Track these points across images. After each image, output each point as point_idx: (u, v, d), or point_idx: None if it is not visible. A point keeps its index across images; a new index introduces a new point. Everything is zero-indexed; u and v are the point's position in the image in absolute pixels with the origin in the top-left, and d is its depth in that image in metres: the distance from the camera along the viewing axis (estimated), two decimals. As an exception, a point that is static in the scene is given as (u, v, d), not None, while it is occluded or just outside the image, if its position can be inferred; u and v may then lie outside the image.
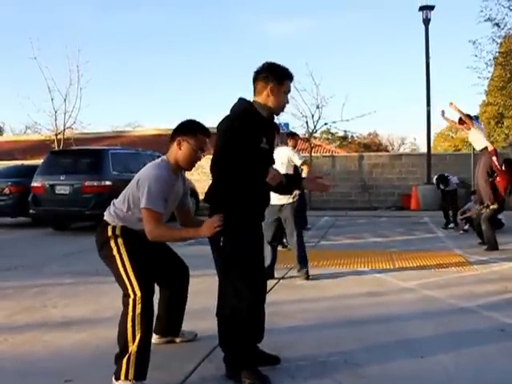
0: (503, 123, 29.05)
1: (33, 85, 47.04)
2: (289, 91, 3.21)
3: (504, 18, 18.61)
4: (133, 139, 27.51)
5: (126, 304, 3.08)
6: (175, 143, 3.25)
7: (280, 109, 3.23)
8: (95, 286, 5.84)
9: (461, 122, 8.78)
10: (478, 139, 8.55)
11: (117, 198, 3.37)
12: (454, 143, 42.26)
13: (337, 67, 71.64)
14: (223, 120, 3.14)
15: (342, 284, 5.87)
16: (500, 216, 10.55)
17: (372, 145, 47.20)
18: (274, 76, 3.11)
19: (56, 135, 18.98)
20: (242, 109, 3.12)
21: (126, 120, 59.57)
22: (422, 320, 4.40)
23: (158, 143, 23.09)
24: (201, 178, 17.52)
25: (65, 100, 18.92)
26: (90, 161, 11.49)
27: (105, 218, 3.31)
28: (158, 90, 79.67)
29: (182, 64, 77.21)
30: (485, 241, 8.52)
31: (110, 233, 3.22)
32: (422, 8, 16.75)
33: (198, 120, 3.33)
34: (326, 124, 19.58)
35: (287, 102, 3.24)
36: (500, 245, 8.33)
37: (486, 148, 8.44)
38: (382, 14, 72.18)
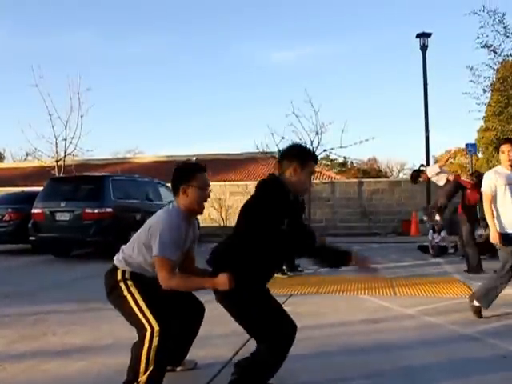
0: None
1: (34, 111, 47.38)
2: (312, 173, 3.30)
3: (500, 45, 18.80)
4: (133, 166, 27.66)
5: (142, 336, 3.07)
6: (180, 193, 3.27)
7: (302, 188, 3.26)
8: (95, 313, 5.82)
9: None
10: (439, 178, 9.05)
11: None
12: (453, 169, 42.40)
13: (336, 93, 72.21)
14: (253, 197, 3.15)
15: (342, 311, 5.86)
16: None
17: (371, 171, 47.37)
18: (299, 157, 3.19)
19: (57, 162, 19.04)
20: (272, 188, 3.10)
21: (127, 146, 59.88)
22: (422, 347, 4.38)
23: (157, 170, 23.22)
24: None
25: (65, 127, 19.03)
26: (91, 187, 11.54)
27: (114, 263, 3.34)
28: (159, 117, 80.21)
29: (183, 91, 77.79)
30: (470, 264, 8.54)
31: (119, 276, 3.25)
32: (419, 35, 16.97)
33: (185, 161, 3.42)
34: (325, 150, 19.66)
35: (310, 184, 3.39)
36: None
37: (448, 180, 8.89)
38: (380, 41, 73.07)
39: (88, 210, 10.88)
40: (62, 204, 11.14)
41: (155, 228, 3.13)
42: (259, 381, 3.12)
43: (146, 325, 3.06)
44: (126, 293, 3.18)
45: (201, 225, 15.16)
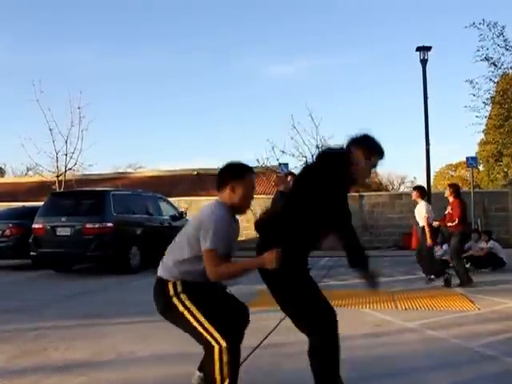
0: (502, 161, 29.21)
1: (34, 126, 47.36)
2: (375, 166, 3.30)
3: (500, 58, 18.89)
4: (134, 180, 27.67)
5: (211, 352, 3.04)
6: (228, 189, 3.23)
7: (362, 179, 3.34)
8: (97, 328, 5.81)
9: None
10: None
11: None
12: (453, 181, 42.43)
13: (336, 107, 72.40)
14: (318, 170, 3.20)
15: (344, 325, 5.79)
16: (501, 255, 10.57)
17: (372, 184, 47.36)
18: (366, 145, 3.24)
19: (57, 177, 19.07)
20: (341, 161, 3.15)
21: (127, 161, 59.91)
22: (425, 361, 4.36)
23: (158, 185, 23.25)
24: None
25: (66, 142, 19.08)
26: (92, 202, 11.54)
27: (159, 274, 3.24)
28: (158, 131, 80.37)
29: (183, 105, 78.05)
30: (459, 278, 8.65)
31: (171, 291, 3.14)
32: (418, 49, 17.00)
33: (240, 162, 3.38)
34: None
35: (369, 177, 3.36)
36: (502, 284, 8.31)
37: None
38: (380, 54, 73.33)
39: (89, 225, 10.86)
40: (63, 219, 11.13)
41: (209, 223, 3.07)
42: (333, 371, 3.23)
43: (213, 342, 3.02)
44: (181, 309, 3.10)
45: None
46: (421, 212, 8.94)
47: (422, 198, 9.22)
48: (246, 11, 69.87)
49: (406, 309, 6.71)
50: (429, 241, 8.73)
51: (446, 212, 8.96)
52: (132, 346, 4.89)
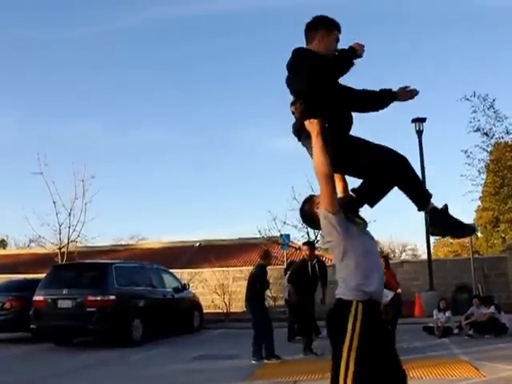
0: (499, 227, 29.33)
1: (38, 198, 47.60)
2: (338, 40, 3.39)
3: (492, 128, 19.37)
4: (136, 252, 27.67)
5: None
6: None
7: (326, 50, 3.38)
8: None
9: None
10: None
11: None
12: (453, 248, 42.35)
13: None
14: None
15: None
16: (504, 320, 10.54)
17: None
18: (324, 25, 3.34)
19: (60, 249, 19.08)
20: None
21: (130, 233, 59.71)
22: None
23: (160, 256, 23.22)
24: (205, 291, 17.48)
25: (69, 214, 19.16)
26: (93, 275, 11.55)
27: (339, 296, 2.95)
28: (160, 202, 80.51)
29: (184, 178, 78.67)
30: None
31: (350, 324, 2.80)
32: (414, 120, 17.41)
33: None
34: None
35: (336, 50, 3.38)
36: (506, 350, 8.25)
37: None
38: (377, 126, 74.69)
39: (90, 298, 10.78)
40: (64, 291, 11.06)
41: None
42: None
43: None
44: (347, 340, 2.78)
45: (204, 311, 15.08)
46: None
47: None
48: (248, 84, 71.55)
49: (410, 378, 6.63)
50: None
51: None
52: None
